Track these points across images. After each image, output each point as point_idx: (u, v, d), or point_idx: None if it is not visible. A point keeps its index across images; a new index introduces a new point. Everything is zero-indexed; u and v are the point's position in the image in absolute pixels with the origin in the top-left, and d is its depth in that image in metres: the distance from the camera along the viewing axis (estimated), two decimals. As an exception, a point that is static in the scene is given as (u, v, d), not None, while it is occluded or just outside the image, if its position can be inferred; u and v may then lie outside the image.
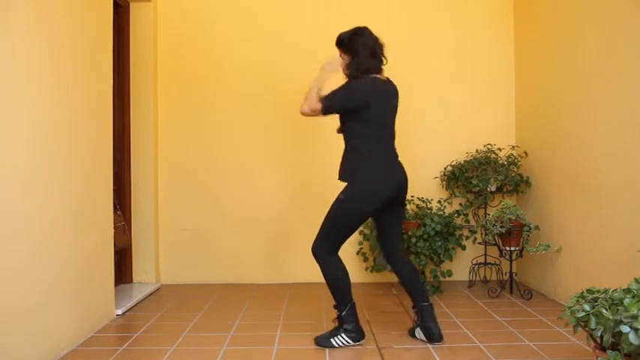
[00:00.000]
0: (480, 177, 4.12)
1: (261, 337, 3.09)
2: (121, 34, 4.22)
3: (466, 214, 4.38)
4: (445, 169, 4.40)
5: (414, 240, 3.99)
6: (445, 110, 4.57)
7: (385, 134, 2.99)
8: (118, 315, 3.57)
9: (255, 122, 4.54)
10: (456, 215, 4.25)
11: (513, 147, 4.37)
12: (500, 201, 4.04)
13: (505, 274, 4.16)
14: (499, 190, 4.20)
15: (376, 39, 2.99)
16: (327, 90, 2.95)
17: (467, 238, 4.33)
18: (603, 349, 1.97)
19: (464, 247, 4.24)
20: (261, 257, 4.54)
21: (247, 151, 4.55)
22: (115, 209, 3.73)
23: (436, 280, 4.08)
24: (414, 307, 3.04)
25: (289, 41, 4.55)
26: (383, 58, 3.00)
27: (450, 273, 4.19)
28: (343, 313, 2.93)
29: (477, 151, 4.32)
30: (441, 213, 4.22)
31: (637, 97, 2.96)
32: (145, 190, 4.37)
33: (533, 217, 4.07)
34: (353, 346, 2.94)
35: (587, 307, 2.04)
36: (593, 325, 1.99)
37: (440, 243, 4.04)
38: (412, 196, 4.35)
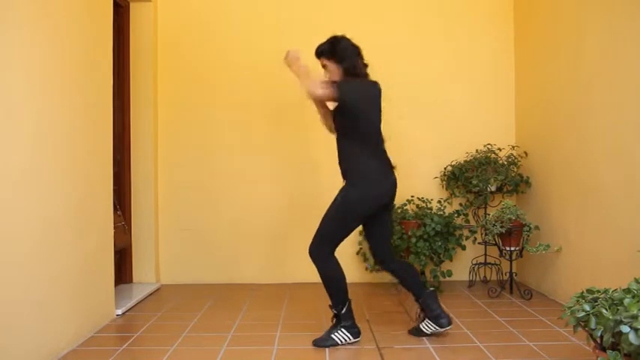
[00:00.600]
0: (479, 177, 4.12)
1: (261, 337, 3.09)
2: (121, 34, 4.22)
3: (466, 214, 4.38)
4: (445, 169, 4.40)
5: (414, 240, 3.99)
6: (445, 110, 4.57)
7: (380, 137, 3.02)
8: (118, 315, 3.57)
9: (255, 122, 4.54)
10: (456, 215, 4.26)
11: (513, 147, 4.37)
12: (500, 201, 4.05)
13: (505, 274, 4.16)
14: (499, 190, 4.20)
15: (355, 44, 3.02)
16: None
17: (467, 238, 4.33)
18: (603, 349, 1.97)
19: (464, 247, 4.24)
20: (261, 257, 4.54)
21: (247, 151, 4.55)
22: (115, 209, 3.73)
23: (436, 280, 4.08)
24: (418, 300, 3.04)
25: (289, 41, 4.52)
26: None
27: (450, 273, 4.19)
28: (342, 311, 2.95)
29: (477, 151, 4.32)
30: (441, 213, 4.22)
31: (637, 97, 2.96)
32: (145, 190, 4.37)
33: (533, 217, 4.07)
34: (353, 342, 2.95)
35: (587, 307, 2.04)
36: (593, 325, 1.99)
37: (440, 243, 4.04)
38: (412, 196, 4.36)
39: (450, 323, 2.99)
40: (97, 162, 3.33)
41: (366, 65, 3.02)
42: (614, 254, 3.14)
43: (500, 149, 4.32)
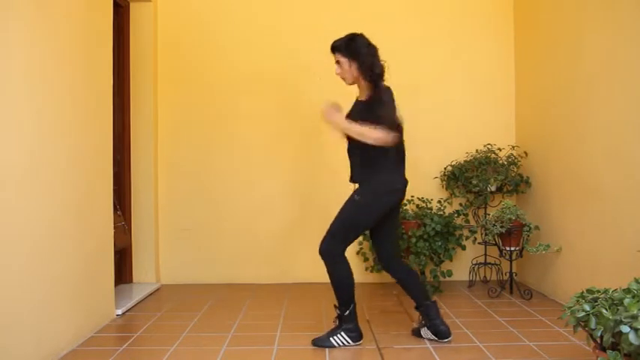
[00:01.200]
0: (480, 177, 4.12)
1: (261, 337, 3.09)
2: (121, 34, 4.22)
3: (466, 214, 4.38)
4: (445, 169, 4.40)
5: (414, 240, 3.99)
6: (445, 110, 4.57)
7: (402, 141, 3.03)
8: (118, 315, 3.57)
9: (255, 122, 4.54)
10: (456, 215, 4.26)
11: (513, 147, 4.37)
12: (500, 201, 4.05)
13: (505, 274, 4.16)
14: (499, 190, 4.20)
15: (372, 44, 2.98)
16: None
17: (467, 238, 4.32)
18: (603, 349, 1.97)
19: (464, 247, 4.23)
20: (261, 257, 4.54)
21: (247, 151, 4.55)
22: (115, 209, 3.73)
23: (436, 280, 4.08)
24: (417, 308, 3.04)
25: (289, 41, 4.55)
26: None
27: (450, 273, 4.19)
28: (346, 313, 2.94)
29: (477, 151, 4.32)
30: (441, 213, 4.22)
31: (637, 97, 2.96)
32: (145, 190, 4.37)
33: (533, 217, 4.07)
34: (352, 346, 2.94)
35: (587, 307, 2.04)
36: (593, 325, 1.99)
37: (440, 243, 4.04)
38: (412, 196, 4.35)
39: (448, 334, 2.96)
40: (97, 162, 3.33)
41: (383, 65, 2.96)
42: (614, 254, 3.14)
43: (500, 149, 4.32)
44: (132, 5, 4.34)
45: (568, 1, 3.68)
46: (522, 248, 3.94)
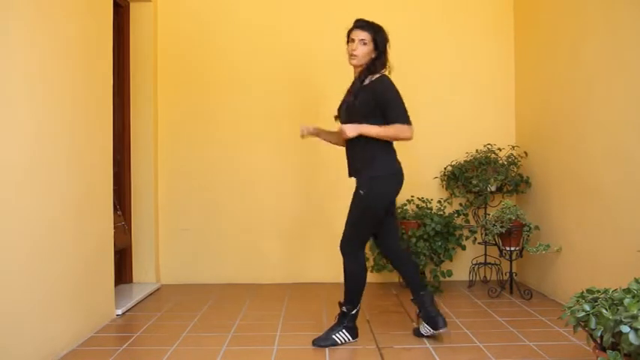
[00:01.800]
0: (480, 177, 4.12)
1: (261, 337, 3.09)
2: (121, 34, 4.22)
3: (466, 214, 4.37)
4: (445, 169, 4.40)
5: (414, 240, 3.99)
6: (445, 110, 4.56)
7: None
8: (118, 315, 3.57)
9: (255, 122, 4.54)
10: (456, 215, 4.26)
11: (513, 147, 4.37)
12: (500, 201, 4.05)
13: (505, 274, 4.16)
14: (499, 190, 4.20)
15: None
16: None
17: (467, 238, 4.32)
18: (603, 349, 1.97)
19: (464, 247, 4.23)
20: (261, 257, 4.54)
21: (247, 151, 4.54)
22: (115, 209, 3.73)
23: (436, 280, 4.08)
24: (413, 299, 3.05)
25: (289, 41, 4.55)
26: None
27: (450, 273, 4.19)
28: (353, 312, 2.97)
29: (477, 151, 4.32)
30: (441, 213, 4.22)
31: (637, 97, 2.96)
32: (145, 190, 4.37)
33: (533, 217, 4.07)
34: (351, 343, 2.96)
35: (587, 307, 2.04)
36: (593, 325, 1.99)
37: (440, 243, 4.04)
38: (412, 196, 4.35)
39: (444, 324, 2.95)
40: (97, 162, 3.33)
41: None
42: (614, 254, 3.14)
43: (500, 149, 4.32)
44: (132, 5, 4.33)
45: (568, 1, 3.68)
46: (522, 248, 3.94)
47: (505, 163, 4.20)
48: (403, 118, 2.89)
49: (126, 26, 4.30)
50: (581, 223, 3.52)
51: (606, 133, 3.24)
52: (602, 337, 1.97)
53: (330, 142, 3.25)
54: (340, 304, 3.02)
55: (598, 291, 2.13)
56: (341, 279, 4.57)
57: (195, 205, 4.53)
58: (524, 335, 3.04)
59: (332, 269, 4.47)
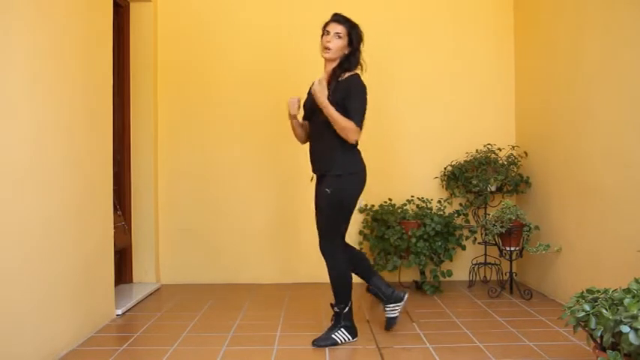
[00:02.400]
0: (479, 177, 4.12)
1: (261, 337, 3.09)
2: (121, 34, 4.22)
3: (466, 214, 4.37)
4: (445, 169, 4.40)
5: (414, 240, 3.99)
6: (445, 110, 4.56)
7: None
8: (118, 315, 3.57)
9: (255, 122, 4.54)
10: (456, 215, 4.26)
11: (513, 147, 4.37)
12: (500, 201, 4.04)
13: (505, 274, 4.16)
14: (499, 190, 4.20)
15: None
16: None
17: (467, 238, 4.32)
18: (603, 349, 1.97)
19: (464, 247, 4.23)
20: (261, 257, 4.54)
21: (247, 151, 4.55)
22: (115, 209, 3.73)
23: (436, 280, 4.08)
24: (368, 288, 3.19)
25: (289, 41, 4.55)
26: None
27: (450, 273, 4.19)
28: (345, 310, 2.97)
29: (477, 151, 4.32)
30: (441, 213, 4.22)
31: (637, 97, 2.96)
32: (145, 190, 4.37)
33: (533, 217, 4.07)
34: (351, 342, 2.96)
35: (587, 307, 2.04)
36: (593, 325, 1.99)
37: (440, 243, 4.04)
38: (412, 196, 4.36)
39: (405, 293, 3.14)
40: (97, 162, 3.33)
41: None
42: (614, 254, 3.14)
43: (500, 149, 4.32)
44: (132, 5, 4.33)
45: (568, 1, 3.68)
46: (522, 248, 3.93)
47: (505, 163, 4.20)
48: (358, 118, 2.86)
49: (126, 26, 4.30)
50: (581, 223, 3.52)
51: (606, 133, 3.24)
52: (602, 337, 1.97)
53: (294, 131, 3.21)
54: (332, 306, 3.03)
55: (598, 291, 2.13)
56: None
57: (196, 205, 4.53)
58: (524, 335, 3.04)
59: (332, 269, 4.48)
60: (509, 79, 4.56)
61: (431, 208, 4.26)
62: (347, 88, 2.89)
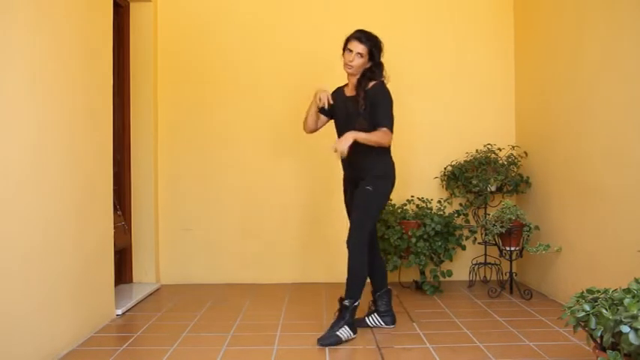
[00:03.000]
0: (479, 177, 4.12)
1: (261, 337, 3.09)
2: (121, 34, 4.22)
3: (466, 214, 4.37)
4: (445, 169, 4.40)
5: (414, 240, 3.99)
6: (445, 110, 4.56)
7: None
8: (118, 315, 3.57)
9: (255, 122, 4.54)
10: (456, 215, 4.25)
11: (513, 147, 4.37)
12: (500, 201, 4.04)
13: (505, 274, 4.16)
14: (499, 190, 4.20)
15: None
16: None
17: (467, 238, 4.32)
18: (603, 349, 1.97)
19: (464, 247, 4.23)
20: (261, 257, 4.54)
21: (247, 151, 4.54)
22: (115, 209, 3.73)
23: (436, 280, 4.08)
24: (375, 293, 3.30)
25: (289, 41, 4.55)
26: None
27: (450, 273, 4.19)
28: (355, 304, 3.04)
29: (477, 151, 4.32)
30: (441, 213, 4.22)
31: (637, 97, 2.96)
32: (145, 190, 4.37)
33: (533, 217, 4.07)
34: (351, 343, 2.97)
35: (587, 307, 2.04)
36: (593, 325, 1.99)
37: (440, 243, 4.04)
38: (412, 196, 4.35)
39: (393, 323, 3.26)
40: (97, 162, 3.33)
41: None
42: (614, 254, 3.14)
43: (500, 149, 4.32)
44: (132, 5, 4.33)
45: (568, 1, 3.68)
46: (522, 248, 3.93)
47: (505, 163, 4.20)
48: (388, 123, 3.05)
49: (126, 26, 4.30)
50: (581, 223, 3.52)
51: (606, 132, 3.24)
52: (602, 337, 1.97)
53: (308, 119, 3.38)
54: (341, 300, 3.06)
55: (598, 291, 2.13)
56: (341, 279, 4.58)
57: (195, 205, 4.53)
58: (524, 335, 3.04)
59: (332, 269, 4.48)
60: (509, 79, 4.56)
61: (431, 208, 4.26)
62: (374, 96, 3.07)
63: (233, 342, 3.02)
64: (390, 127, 3.05)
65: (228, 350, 2.89)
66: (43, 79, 2.71)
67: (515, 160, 4.24)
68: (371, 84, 3.11)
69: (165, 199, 4.52)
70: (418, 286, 4.18)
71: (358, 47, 3.09)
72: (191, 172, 4.54)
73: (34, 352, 2.58)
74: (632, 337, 1.82)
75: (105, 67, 3.46)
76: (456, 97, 4.56)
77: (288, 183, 4.55)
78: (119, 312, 3.58)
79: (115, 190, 3.70)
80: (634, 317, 1.86)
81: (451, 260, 4.18)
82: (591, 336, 2.04)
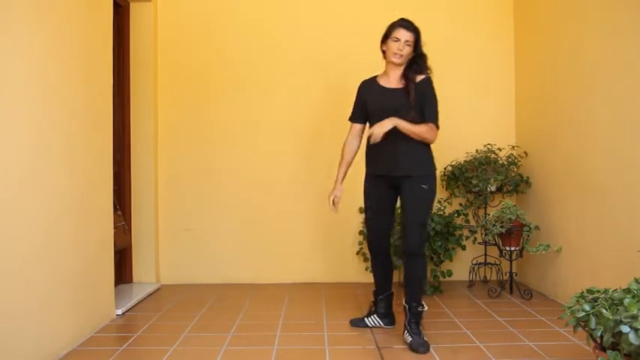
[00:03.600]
0: (479, 177, 4.12)
1: (261, 337, 3.09)
2: (121, 34, 4.22)
3: (466, 214, 4.37)
4: (445, 169, 4.40)
5: (414, 240, 3.99)
6: (445, 110, 4.51)
7: None
8: (118, 315, 3.57)
9: (255, 121, 4.54)
10: (456, 215, 4.25)
11: (513, 147, 4.36)
12: (500, 201, 4.04)
13: (505, 274, 4.16)
14: (499, 190, 4.20)
15: None
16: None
17: (467, 238, 4.32)
18: (603, 349, 1.97)
19: (464, 247, 4.23)
20: (261, 257, 4.54)
21: (248, 151, 4.54)
22: (115, 209, 3.73)
23: (436, 280, 4.08)
24: (379, 295, 3.27)
25: (290, 41, 4.55)
26: None
27: (450, 273, 4.19)
28: (426, 308, 3.02)
29: (477, 151, 4.32)
30: (441, 213, 4.22)
31: (637, 97, 2.96)
32: (145, 190, 4.37)
33: (533, 217, 4.07)
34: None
35: (587, 307, 2.04)
36: (593, 325, 1.99)
37: (440, 243, 4.04)
38: (412, 196, 4.35)
39: (393, 324, 3.25)
40: (97, 162, 3.33)
41: None
42: (614, 254, 3.14)
43: (500, 149, 4.32)
44: (132, 5, 4.33)
45: (568, 1, 3.68)
46: (522, 248, 3.93)
47: (505, 163, 4.20)
48: (436, 119, 3.05)
49: (126, 26, 4.30)
50: (581, 223, 3.52)
51: (606, 132, 3.24)
52: (602, 337, 1.97)
53: (352, 146, 3.27)
54: (413, 306, 2.94)
55: (598, 291, 2.13)
56: (341, 279, 4.59)
57: (195, 205, 4.53)
58: (524, 335, 3.04)
59: (332, 269, 4.48)
60: (509, 79, 4.56)
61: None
62: (423, 92, 3.03)
63: (233, 342, 3.02)
64: (437, 125, 3.03)
65: (228, 350, 2.89)
66: (43, 80, 2.71)
67: (515, 160, 4.23)
68: (419, 77, 3.04)
69: (166, 199, 4.52)
70: (418, 286, 4.18)
71: (406, 35, 3.03)
72: (191, 172, 4.54)
73: (34, 352, 2.58)
74: (632, 337, 1.82)
75: (105, 67, 3.46)
76: (455, 97, 4.55)
77: (288, 183, 4.54)
78: (119, 312, 3.58)
79: (115, 190, 3.70)
80: (634, 317, 1.86)
81: (451, 260, 4.18)
82: (591, 336, 2.04)
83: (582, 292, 2.16)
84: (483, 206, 4.28)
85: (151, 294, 4.15)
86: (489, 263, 4.35)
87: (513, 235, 3.88)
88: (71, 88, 2.99)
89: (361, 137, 3.25)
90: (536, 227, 3.96)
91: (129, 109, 4.31)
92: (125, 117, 4.27)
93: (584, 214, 3.49)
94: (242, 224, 4.53)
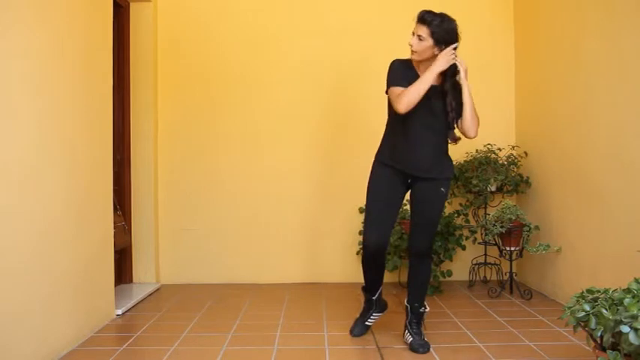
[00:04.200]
0: (479, 177, 4.12)
1: (261, 337, 3.09)
2: (121, 34, 4.22)
3: (466, 214, 4.37)
4: (445, 169, 4.39)
5: (414, 240, 3.99)
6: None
7: None
8: (118, 315, 3.57)
9: (255, 121, 4.54)
10: (456, 215, 4.25)
11: (513, 147, 4.36)
12: (500, 201, 4.05)
13: (505, 274, 4.16)
14: (499, 190, 4.20)
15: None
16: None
17: (467, 238, 4.32)
18: (603, 349, 1.97)
19: (464, 247, 4.23)
20: (261, 257, 4.54)
21: (248, 151, 4.54)
22: (115, 209, 3.73)
23: (436, 280, 4.08)
24: (376, 294, 3.16)
25: (289, 41, 4.55)
26: None
27: (450, 273, 4.19)
28: (428, 309, 3.02)
29: (477, 151, 4.32)
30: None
31: (637, 97, 2.95)
32: (145, 190, 4.37)
33: (533, 217, 4.07)
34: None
35: (587, 307, 2.04)
36: (593, 325, 1.99)
37: (440, 243, 4.04)
38: (412, 196, 4.35)
39: (386, 308, 3.21)
40: (97, 162, 3.33)
41: None
42: (614, 254, 3.14)
43: (500, 149, 4.32)
44: (132, 5, 4.33)
45: (568, 1, 3.68)
46: (522, 248, 3.94)
47: (505, 163, 4.20)
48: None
49: (126, 26, 4.30)
50: (581, 223, 3.52)
51: (606, 132, 3.24)
52: (602, 337, 1.97)
53: (419, 94, 2.87)
54: (415, 306, 2.93)
55: (598, 291, 2.13)
56: (340, 279, 4.59)
57: (196, 205, 4.53)
58: (524, 335, 3.04)
59: (332, 269, 4.48)
60: (509, 79, 4.56)
61: (431, 208, 4.25)
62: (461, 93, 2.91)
63: (233, 342, 3.02)
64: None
65: (228, 350, 2.89)
66: (43, 80, 2.71)
67: (515, 160, 4.24)
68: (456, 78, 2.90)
69: (165, 199, 4.52)
70: (418, 286, 4.18)
71: (419, 29, 2.81)
72: (191, 172, 4.54)
73: (34, 352, 2.58)
74: (632, 337, 1.82)
75: (105, 67, 3.46)
76: (455, 97, 4.55)
77: (288, 183, 4.54)
78: (119, 312, 3.58)
79: (115, 190, 3.70)
80: (634, 317, 1.86)
81: (451, 260, 4.18)
82: (591, 336, 2.04)
83: (582, 292, 2.16)
84: (483, 206, 4.28)
85: (150, 294, 4.15)
86: (489, 263, 4.35)
87: (513, 235, 3.88)
88: (71, 88, 2.99)
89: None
90: (536, 227, 3.96)
91: (129, 109, 4.31)
92: (125, 117, 4.27)
93: (584, 214, 3.49)
94: (242, 224, 4.53)
